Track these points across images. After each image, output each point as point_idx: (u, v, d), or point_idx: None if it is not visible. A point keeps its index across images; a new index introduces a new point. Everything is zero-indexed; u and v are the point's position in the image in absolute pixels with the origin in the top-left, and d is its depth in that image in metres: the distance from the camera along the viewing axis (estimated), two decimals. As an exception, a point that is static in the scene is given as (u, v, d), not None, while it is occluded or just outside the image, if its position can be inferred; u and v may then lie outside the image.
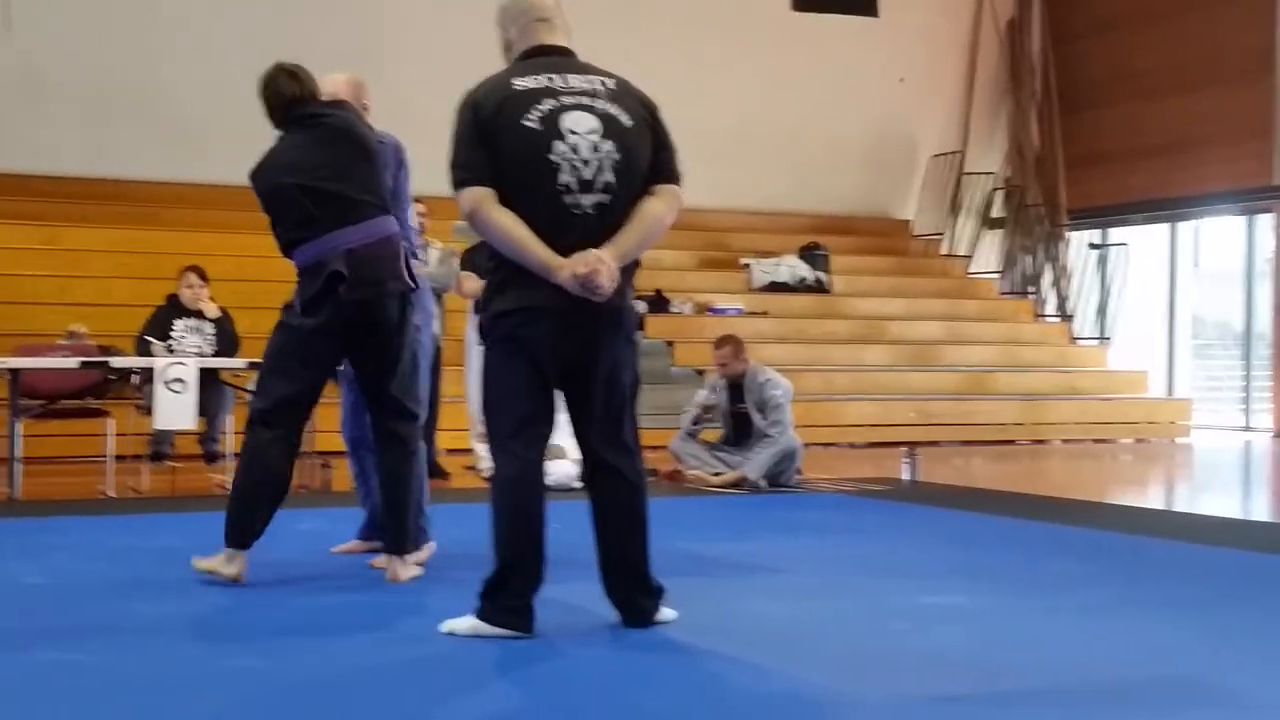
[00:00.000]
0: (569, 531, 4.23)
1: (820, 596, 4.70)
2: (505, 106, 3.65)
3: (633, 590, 3.92)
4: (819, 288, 15.23)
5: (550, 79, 3.70)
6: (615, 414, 3.84)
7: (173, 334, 8.57)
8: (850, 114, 16.70)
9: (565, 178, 3.63)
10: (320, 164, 4.58)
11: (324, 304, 4.53)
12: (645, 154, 3.74)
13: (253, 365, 8.26)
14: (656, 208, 3.74)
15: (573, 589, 4.22)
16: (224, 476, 8.06)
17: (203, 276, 8.82)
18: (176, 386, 7.56)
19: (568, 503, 4.53)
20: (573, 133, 3.65)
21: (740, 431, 8.54)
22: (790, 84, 16.35)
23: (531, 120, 3.64)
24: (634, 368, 3.87)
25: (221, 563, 4.58)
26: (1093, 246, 17.01)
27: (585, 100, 3.70)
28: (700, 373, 12.56)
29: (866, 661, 3.65)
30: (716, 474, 8.43)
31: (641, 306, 13.70)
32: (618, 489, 3.88)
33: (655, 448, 9.07)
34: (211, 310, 8.75)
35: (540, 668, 3.56)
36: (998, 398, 13.89)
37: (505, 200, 3.65)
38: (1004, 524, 6.83)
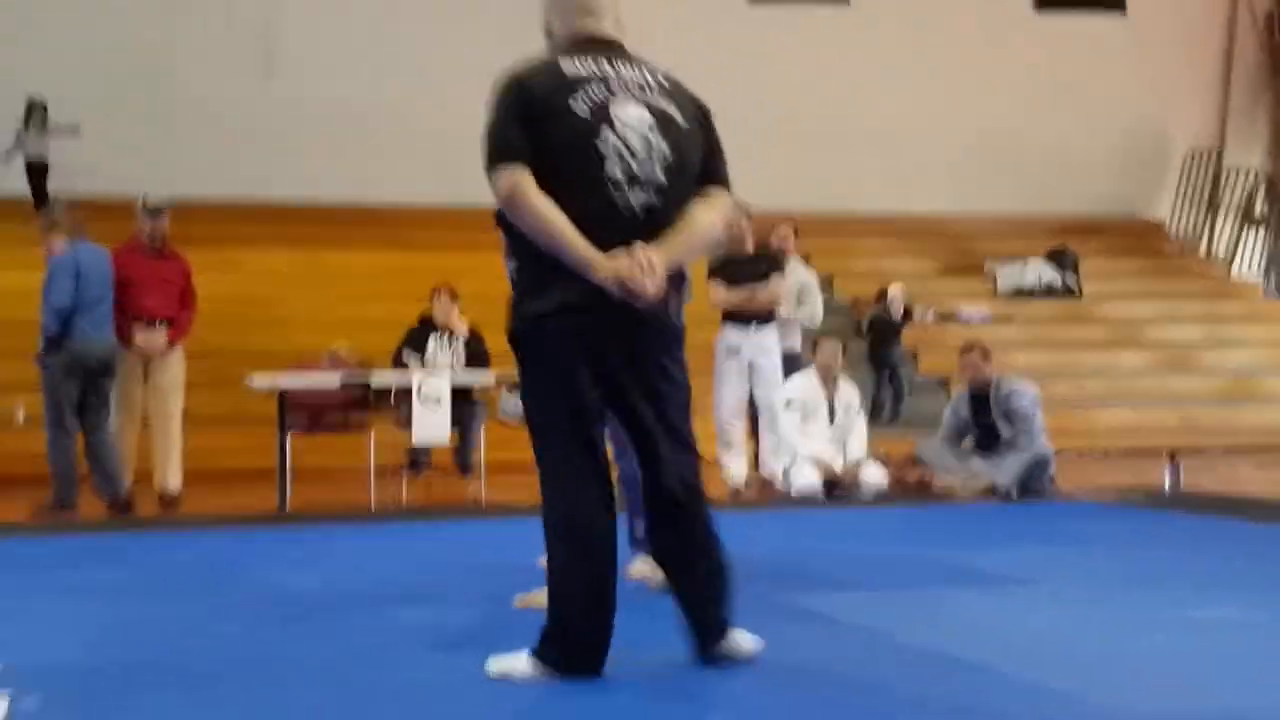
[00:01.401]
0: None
1: (1081, 607, 4.54)
2: (553, 89, 3.33)
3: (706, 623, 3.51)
4: (1067, 291, 14.78)
5: (601, 66, 3.40)
6: (675, 411, 3.48)
7: (426, 351, 8.88)
8: (1099, 112, 16.19)
9: (614, 170, 3.31)
10: None
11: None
12: (697, 156, 3.45)
13: (502, 382, 8.52)
14: (709, 215, 3.43)
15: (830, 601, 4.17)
16: (477, 488, 8.30)
17: (453, 296, 9.11)
18: (431, 402, 7.83)
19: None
20: (624, 124, 3.34)
21: (988, 441, 8.34)
22: (1035, 85, 15.96)
23: (581, 107, 3.32)
24: (684, 383, 3.51)
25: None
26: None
27: (638, 92, 3.39)
28: (944, 382, 12.34)
29: (1132, 675, 3.51)
30: (966, 481, 8.25)
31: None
32: (674, 499, 3.47)
33: (902, 457, 9.00)
34: (462, 328, 9.03)
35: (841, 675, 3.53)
36: (1265, 402, 13.20)
37: (546, 192, 3.30)
38: (1273, 532, 6.48)
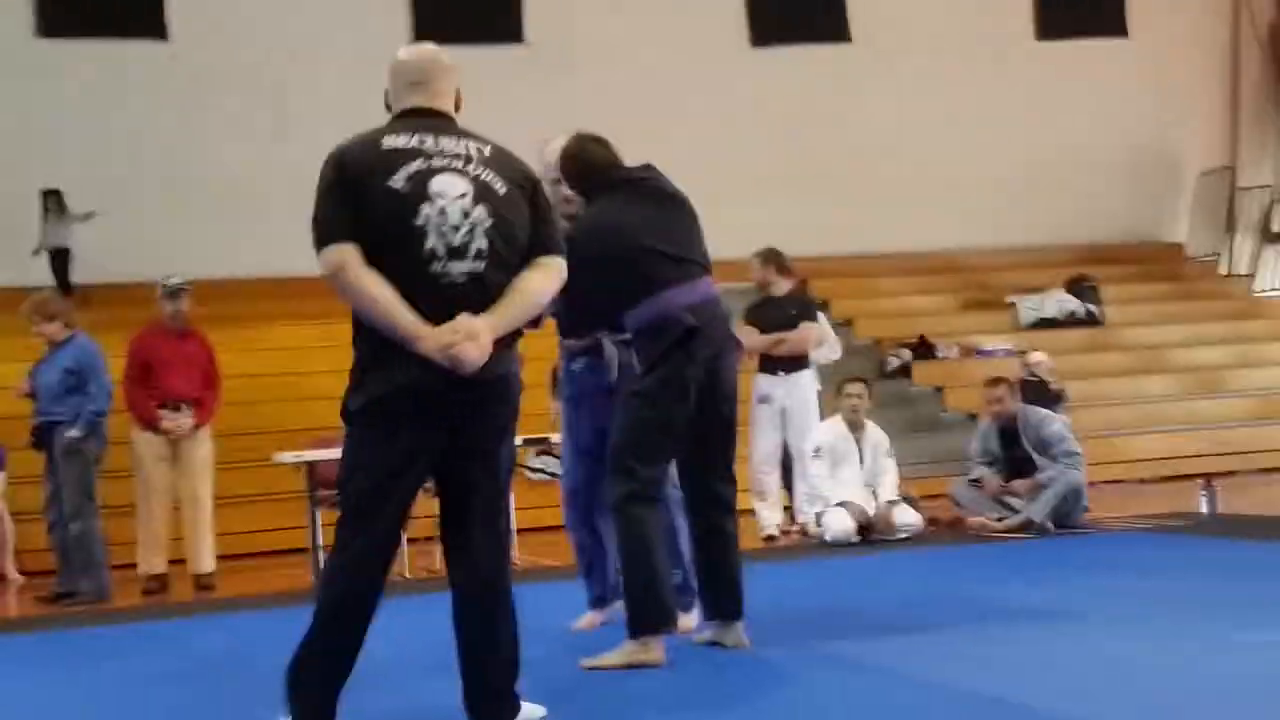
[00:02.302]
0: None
1: (1128, 640, 4.48)
2: (372, 165, 3.37)
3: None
4: (1090, 320, 14.72)
5: (421, 140, 3.43)
6: (487, 510, 3.45)
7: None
8: (1108, 138, 16.20)
9: (432, 244, 3.33)
10: (655, 224, 4.58)
11: (673, 361, 4.44)
12: (522, 223, 3.44)
13: (529, 442, 8.50)
14: (536, 280, 3.43)
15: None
16: (511, 552, 8.25)
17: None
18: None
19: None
20: (441, 196, 3.35)
21: (1018, 475, 8.27)
22: (1041, 114, 15.99)
23: (398, 182, 3.35)
24: (507, 469, 3.50)
25: (636, 652, 4.38)
26: (1386, 252, 15.98)
27: (457, 164, 3.41)
28: (972, 417, 12.27)
29: (1188, 707, 3.45)
30: (1000, 519, 8.18)
31: (906, 354, 13.52)
32: (470, 579, 3.46)
33: (934, 496, 8.94)
34: (486, 392, 9.03)
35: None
36: (1299, 420, 13.09)
37: (374, 267, 3.34)
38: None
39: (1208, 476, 9.36)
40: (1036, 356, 11.43)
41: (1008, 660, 4.19)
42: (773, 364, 8.42)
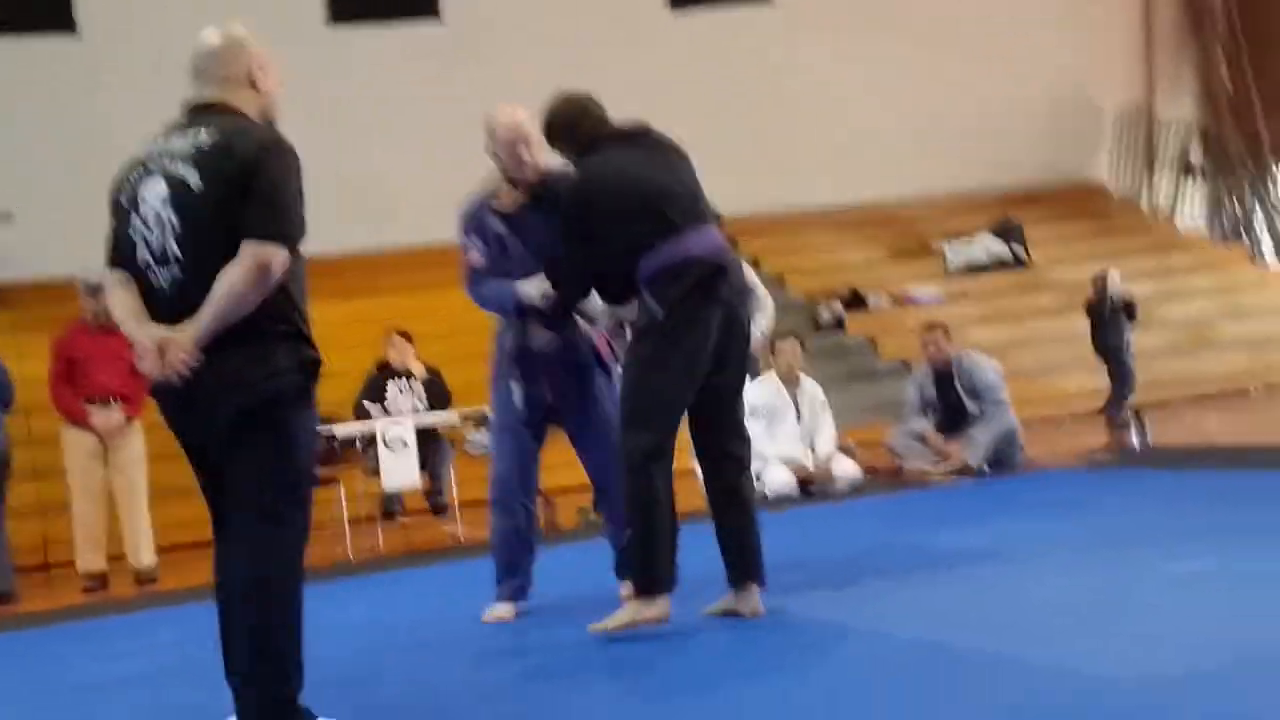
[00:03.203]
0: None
1: (1062, 574, 4.56)
2: (117, 181, 3.43)
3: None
4: (1017, 262, 14.87)
5: (158, 142, 3.41)
6: (241, 515, 3.35)
7: (387, 397, 8.84)
8: (1026, 81, 16.31)
9: (142, 253, 3.33)
10: (664, 172, 4.49)
11: (696, 302, 4.31)
12: (218, 218, 3.27)
13: (466, 417, 8.49)
14: (229, 276, 3.24)
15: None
16: (453, 527, 8.26)
17: (408, 338, 9.08)
18: (397, 446, 7.80)
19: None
20: (145, 203, 3.33)
21: (953, 420, 8.37)
22: (958, 60, 16.06)
23: (123, 194, 3.39)
24: (272, 457, 3.34)
25: (641, 609, 4.31)
26: (1303, 179, 16.25)
27: (166, 164, 3.34)
28: (906, 365, 12.38)
29: (1125, 640, 3.52)
30: (936, 464, 8.27)
31: (838, 306, 13.61)
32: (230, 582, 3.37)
33: (871, 445, 9.03)
34: (420, 370, 8.99)
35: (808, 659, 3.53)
36: (1222, 349, 13.31)
37: None
38: (1247, 479, 6.53)
39: (1137, 409, 9.50)
40: (1113, 275, 11.61)
41: (947, 605, 4.25)
42: None
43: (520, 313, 4.90)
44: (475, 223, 4.97)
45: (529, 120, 4.83)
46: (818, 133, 15.45)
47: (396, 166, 14.19)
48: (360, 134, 14.17)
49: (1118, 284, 11.49)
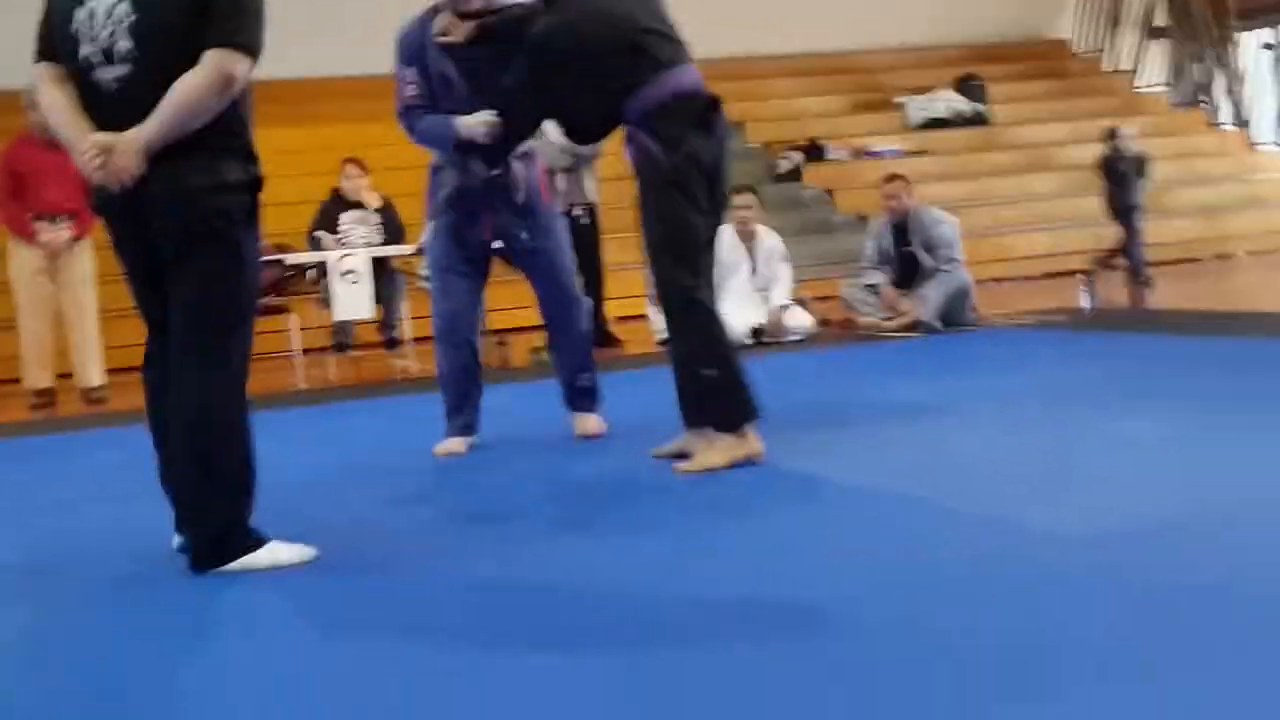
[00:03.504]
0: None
1: (1008, 430, 4.64)
2: None
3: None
4: (978, 120, 14.81)
5: None
6: (188, 336, 3.27)
7: (340, 227, 8.75)
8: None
9: (85, 49, 3.20)
10: (643, 10, 4.36)
11: (697, 137, 4.22)
12: (176, 16, 3.16)
13: (421, 251, 8.41)
14: (191, 81, 3.12)
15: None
16: (405, 361, 8.26)
17: (362, 168, 8.96)
18: (351, 278, 7.75)
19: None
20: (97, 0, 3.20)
21: (908, 273, 8.40)
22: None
23: None
24: (219, 275, 3.26)
25: (736, 446, 4.19)
26: (1266, 47, 16.17)
27: None
28: (863, 219, 12.38)
29: (1063, 495, 3.60)
30: (888, 318, 8.33)
31: (797, 156, 13.51)
32: (176, 408, 3.31)
33: (825, 298, 9.07)
34: (373, 200, 8.90)
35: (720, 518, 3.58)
36: (1176, 215, 13.39)
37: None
38: (1193, 344, 6.63)
39: (1088, 272, 9.57)
40: (1126, 130, 11.40)
41: (890, 456, 4.31)
42: None
43: (459, 149, 4.79)
44: (415, 53, 4.82)
45: None
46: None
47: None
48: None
49: (1131, 140, 11.27)
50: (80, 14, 3.20)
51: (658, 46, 4.30)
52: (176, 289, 3.26)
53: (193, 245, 3.21)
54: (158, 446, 3.43)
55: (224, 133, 3.22)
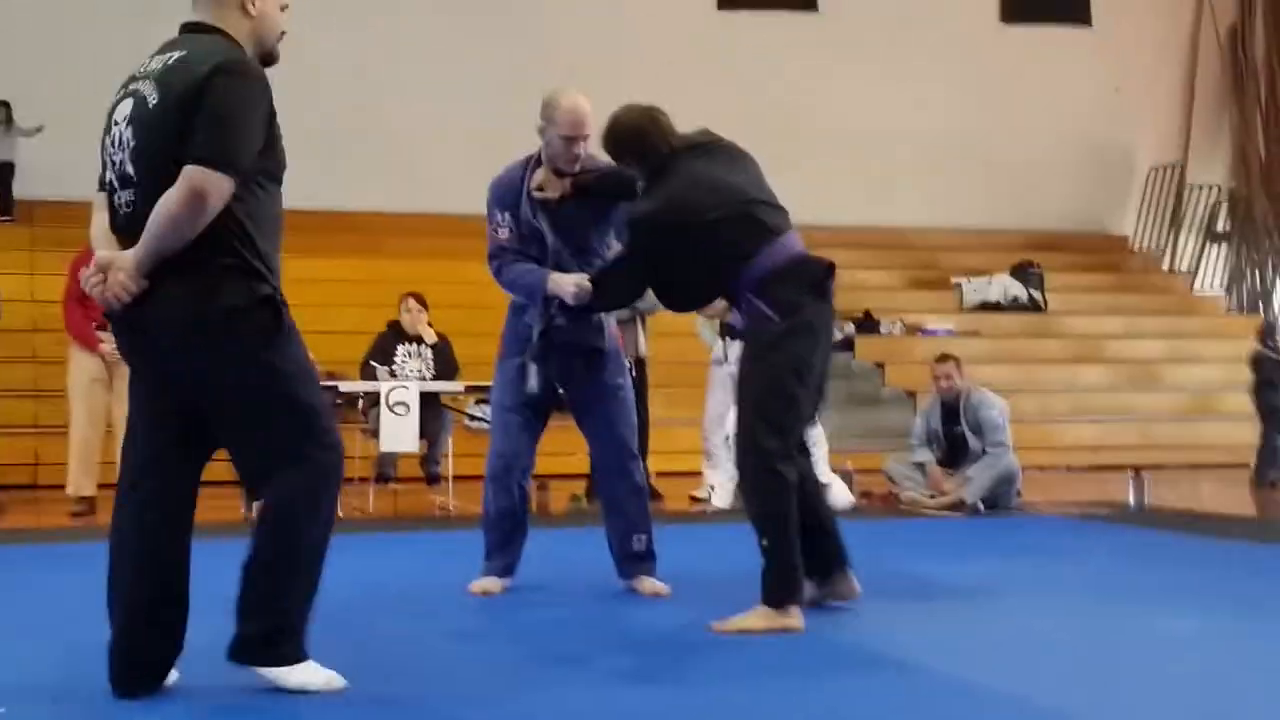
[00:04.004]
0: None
1: (1044, 618, 4.57)
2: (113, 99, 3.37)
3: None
4: (1033, 306, 14.88)
5: (149, 62, 3.30)
6: (246, 440, 3.29)
7: (395, 359, 8.85)
8: (1063, 126, 16.31)
9: (109, 174, 3.28)
10: (748, 181, 4.47)
11: (812, 304, 4.31)
12: (169, 137, 3.15)
13: (471, 389, 8.48)
14: (165, 199, 3.11)
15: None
16: (444, 498, 8.27)
17: (422, 303, 9.09)
18: (399, 409, 7.81)
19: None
20: (116, 123, 3.26)
21: (955, 454, 8.38)
22: (1001, 97, 16.07)
23: (109, 115, 3.32)
24: (244, 384, 3.24)
25: (779, 617, 4.21)
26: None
27: (138, 83, 3.25)
28: (911, 395, 12.39)
29: (1097, 684, 3.54)
30: (932, 496, 8.28)
31: (849, 328, 13.60)
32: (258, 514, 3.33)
33: (869, 470, 9.03)
34: (430, 336, 9.00)
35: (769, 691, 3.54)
36: (1227, 419, 13.31)
37: None
38: (1240, 549, 6.54)
39: (1136, 468, 9.49)
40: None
41: (928, 633, 4.26)
42: (729, 327, 8.42)
43: (545, 301, 4.83)
44: (510, 200, 4.87)
45: (592, 112, 4.75)
46: (849, 149, 15.43)
47: (423, 129, 14.18)
48: (391, 93, 14.15)
49: None
50: (108, 139, 3.29)
51: (768, 214, 4.40)
52: (209, 409, 3.27)
53: (207, 363, 3.21)
54: (117, 569, 3.34)
55: (219, 249, 3.17)
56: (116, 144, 3.24)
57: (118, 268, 3.15)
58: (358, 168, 13.78)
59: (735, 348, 8.41)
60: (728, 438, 8.34)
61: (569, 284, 4.69)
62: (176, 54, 3.24)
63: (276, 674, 3.28)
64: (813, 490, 4.50)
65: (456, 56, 14.38)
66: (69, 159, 12.93)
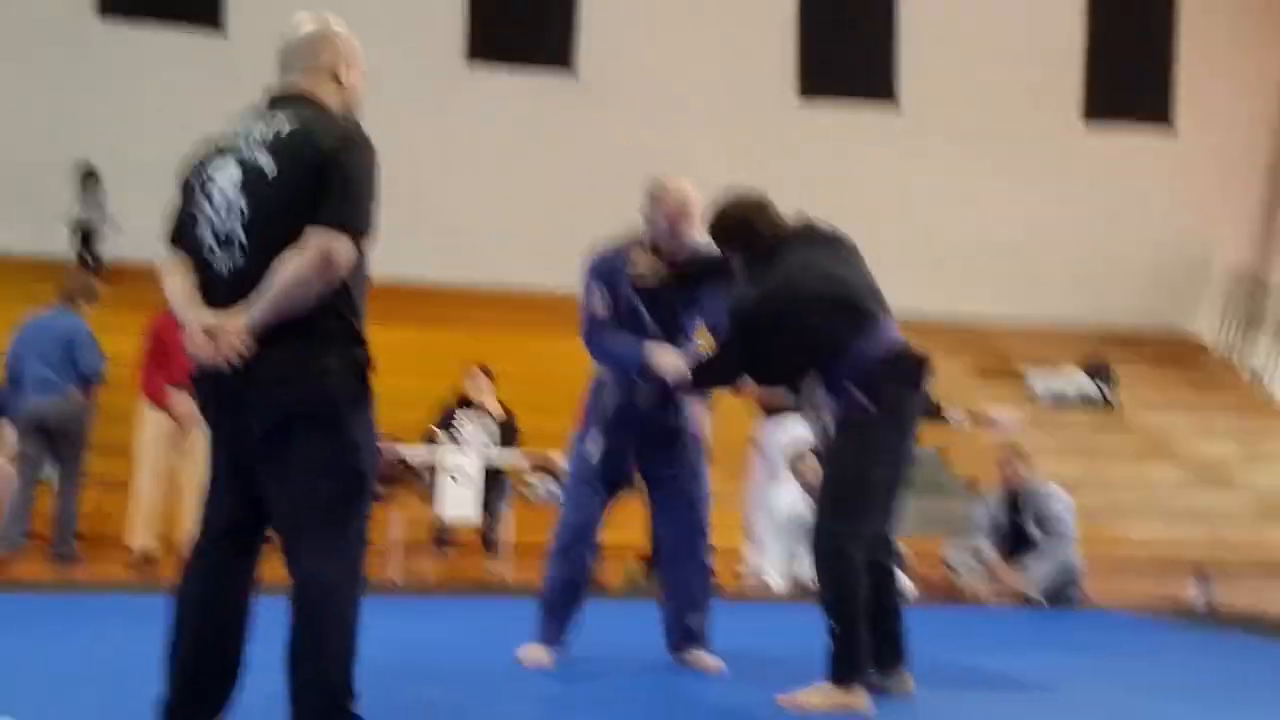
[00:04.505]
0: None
1: (1100, 715, 4.49)
2: (191, 161, 3.39)
3: None
4: (1103, 402, 14.73)
5: (241, 129, 3.34)
6: (299, 519, 3.25)
7: (458, 427, 8.91)
8: (1142, 226, 16.27)
9: (205, 236, 3.26)
10: (848, 267, 4.54)
11: (907, 395, 4.41)
12: (290, 206, 3.17)
13: (538, 467, 8.52)
14: (291, 264, 3.13)
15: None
16: (501, 567, 8.28)
17: (489, 374, 9.17)
18: (461, 477, 7.86)
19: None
20: (216, 185, 3.27)
21: (1016, 544, 8.27)
22: (1080, 196, 16.04)
23: (195, 177, 3.34)
24: (328, 460, 3.23)
25: (844, 696, 4.26)
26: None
27: (243, 149, 3.27)
28: (974, 484, 12.26)
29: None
30: (991, 587, 8.17)
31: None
32: (293, 601, 3.25)
33: (929, 558, 8.93)
34: (496, 409, 9.07)
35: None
36: (1298, 522, 13.06)
37: None
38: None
39: (1202, 567, 9.31)
40: None
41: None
42: (764, 410, 8.42)
43: (640, 374, 4.83)
44: (607, 277, 4.90)
45: (698, 199, 4.81)
46: (925, 240, 15.44)
47: (491, 205, 14.36)
48: (466, 170, 14.36)
49: None
50: (203, 202, 3.27)
51: (868, 303, 4.46)
52: (280, 475, 3.24)
53: (294, 428, 3.21)
54: (182, 628, 3.36)
55: (331, 315, 3.21)
56: (219, 207, 3.24)
57: (229, 330, 3.16)
58: (423, 237, 13.93)
59: (770, 431, 8.40)
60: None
61: (671, 359, 4.71)
62: (288, 126, 3.26)
63: None
64: (885, 579, 4.51)
65: (531, 135, 14.59)
66: (150, 223, 13.39)
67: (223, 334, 3.16)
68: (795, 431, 8.28)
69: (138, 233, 13.05)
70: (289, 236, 3.14)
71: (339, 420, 3.24)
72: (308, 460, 3.21)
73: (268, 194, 3.19)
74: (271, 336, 3.15)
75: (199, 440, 7.99)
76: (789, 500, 8.08)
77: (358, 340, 3.28)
